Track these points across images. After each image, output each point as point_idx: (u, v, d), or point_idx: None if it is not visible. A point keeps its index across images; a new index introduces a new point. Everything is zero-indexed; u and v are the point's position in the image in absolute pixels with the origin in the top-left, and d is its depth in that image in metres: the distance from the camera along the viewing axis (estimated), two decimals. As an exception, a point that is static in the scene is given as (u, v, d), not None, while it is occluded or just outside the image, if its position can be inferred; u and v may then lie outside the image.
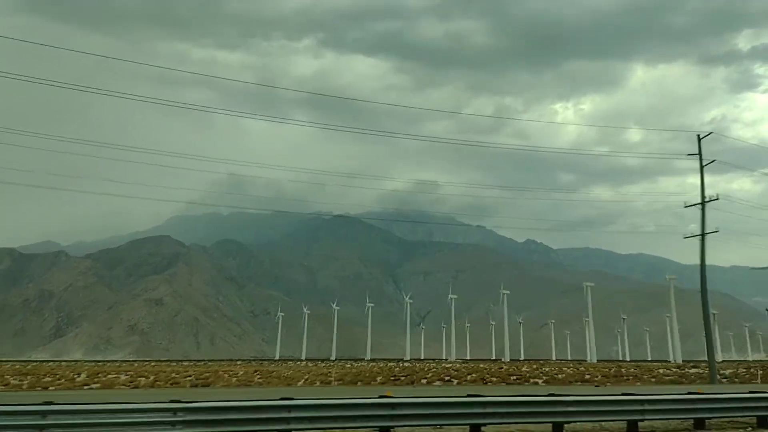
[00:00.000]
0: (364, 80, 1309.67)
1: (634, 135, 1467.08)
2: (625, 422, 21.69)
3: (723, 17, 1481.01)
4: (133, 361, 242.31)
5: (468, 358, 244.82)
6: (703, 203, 60.78)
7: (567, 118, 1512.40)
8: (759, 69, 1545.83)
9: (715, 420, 23.47)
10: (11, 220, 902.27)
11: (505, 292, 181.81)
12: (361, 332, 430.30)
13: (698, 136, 63.70)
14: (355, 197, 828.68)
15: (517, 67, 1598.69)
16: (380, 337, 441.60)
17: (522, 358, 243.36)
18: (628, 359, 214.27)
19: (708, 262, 62.97)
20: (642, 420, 21.53)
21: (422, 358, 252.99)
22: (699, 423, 22.77)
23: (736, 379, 68.51)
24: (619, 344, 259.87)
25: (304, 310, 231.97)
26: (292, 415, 17.84)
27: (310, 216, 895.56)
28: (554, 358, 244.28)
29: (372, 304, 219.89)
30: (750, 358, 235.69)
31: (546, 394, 21.35)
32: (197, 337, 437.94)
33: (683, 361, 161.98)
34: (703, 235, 61.08)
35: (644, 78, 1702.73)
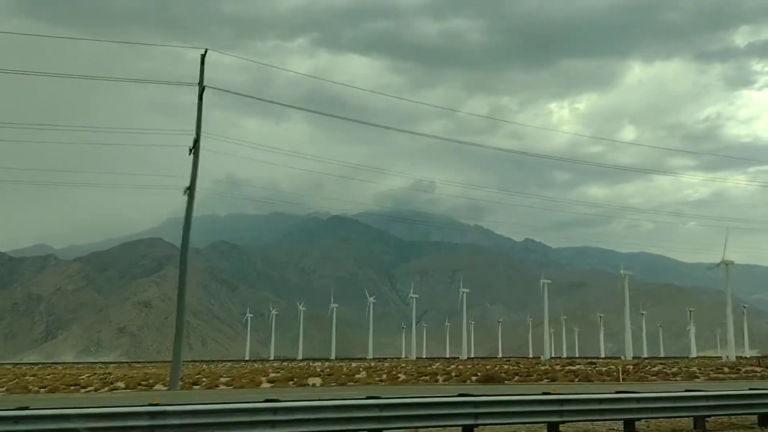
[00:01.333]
0: (359, 79, 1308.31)
1: (629, 132, 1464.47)
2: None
3: (719, 14, 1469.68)
4: (122, 363, 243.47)
5: (448, 356, 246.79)
6: (197, 141, 53.62)
7: (563, 118, 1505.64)
8: (755, 66, 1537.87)
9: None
10: (6, 223, 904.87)
11: (464, 290, 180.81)
12: (358, 332, 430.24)
13: (201, 55, 55.10)
14: (353, 197, 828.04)
15: (512, 66, 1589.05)
16: (377, 337, 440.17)
17: (500, 355, 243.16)
18: (602, 357, 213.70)
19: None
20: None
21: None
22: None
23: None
24: (601, 342, 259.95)
25: (272, 310, 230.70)
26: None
27: (308, 217, 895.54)
28: (530, 355, 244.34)
29: (336, 305, 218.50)
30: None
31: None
32: (188, 339, 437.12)
33: (639, 358, 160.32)
34: (191, 189, 53.54)
35: (641, 76, 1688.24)
